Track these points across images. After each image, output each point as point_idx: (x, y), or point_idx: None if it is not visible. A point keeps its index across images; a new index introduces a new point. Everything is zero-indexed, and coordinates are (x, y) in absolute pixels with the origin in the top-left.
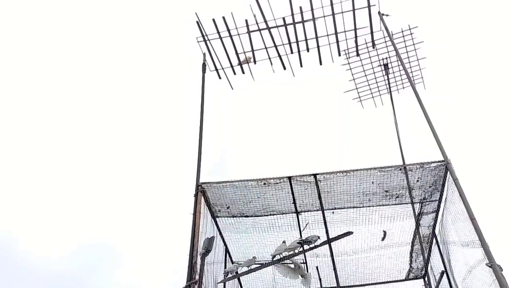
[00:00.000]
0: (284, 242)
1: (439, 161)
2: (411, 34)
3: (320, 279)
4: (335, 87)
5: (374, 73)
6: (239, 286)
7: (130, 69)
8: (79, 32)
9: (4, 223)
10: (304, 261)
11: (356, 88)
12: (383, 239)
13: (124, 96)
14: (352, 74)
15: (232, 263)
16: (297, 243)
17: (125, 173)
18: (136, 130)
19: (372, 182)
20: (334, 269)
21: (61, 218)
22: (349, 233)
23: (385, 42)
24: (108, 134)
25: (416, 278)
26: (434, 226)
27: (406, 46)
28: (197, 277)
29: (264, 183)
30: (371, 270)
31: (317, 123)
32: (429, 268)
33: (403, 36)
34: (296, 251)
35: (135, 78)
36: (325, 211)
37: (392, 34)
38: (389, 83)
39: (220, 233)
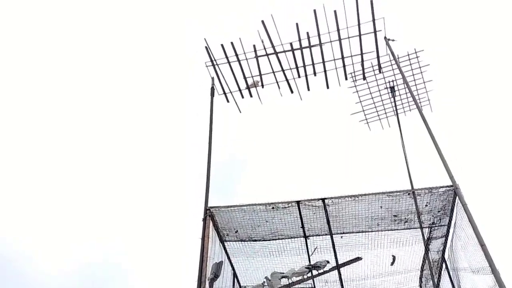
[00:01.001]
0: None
1: (447, 186)
2: (417, 57)
3: None
4: (342, 110)
5: (380, 95)
6: None
7: (140, 90)
8: (88, 45)
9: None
10: (313, 286)
11: (363, 110)
12: (392, 263)
13: (134, 119)
14: (359, 97)
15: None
16: (306, 267)
17: (136, 195)
18: (148, 151)
19: (381, 207)
20: None
21: (70, 234)
22: (358, 259)
23: (391, 65)
24: (120, 153)
25: None
26: (443, 251)
27: (412, 69)
28: None
29: (273, 207)
30: None
31: (324, 145)
32: None
33: (409, 59)
34: (305, 276)
35: (146, 99)
36: (334, 236)
37: (398, 58)
38: (395, 106)
39: (228, 258)
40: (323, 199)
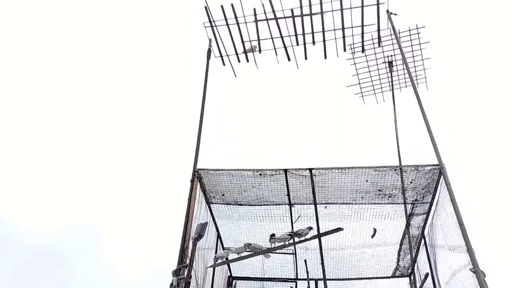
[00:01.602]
0: (273, 234)
1: (433, 165)
2: (418, 33)
3: (307, 272)
4: (338, 81)
5: (378, 70)
6: (228, 271)
7: (132, 53)
8: (74, 18)
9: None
10: (294, 253)
11: (359, 84)
12: (372, 236)
13: (124, 81)
14: (356, 70)
15: (223, 249)
16: (288, 235)
17: (124, 159)
18: (137, 117)
19: (366, 181)
20: (322, 263)
21: (53, 198)
22: (339, 229)
23: (392, 40)
24: (106, 122)
25: (402, 276)
26: (423, 227)
27: (412, 45)
28: (187, 261)
29: (260, 174)
30: (358, 265)
31: (316, 116)
32: (415, 267)
33: (410, 35)
34: (287, 242)
35: (137, 62)
36: (317, 206)
37: (399, 33)
38: (392, 81)
39: (214, 220)
40: (310, 169)
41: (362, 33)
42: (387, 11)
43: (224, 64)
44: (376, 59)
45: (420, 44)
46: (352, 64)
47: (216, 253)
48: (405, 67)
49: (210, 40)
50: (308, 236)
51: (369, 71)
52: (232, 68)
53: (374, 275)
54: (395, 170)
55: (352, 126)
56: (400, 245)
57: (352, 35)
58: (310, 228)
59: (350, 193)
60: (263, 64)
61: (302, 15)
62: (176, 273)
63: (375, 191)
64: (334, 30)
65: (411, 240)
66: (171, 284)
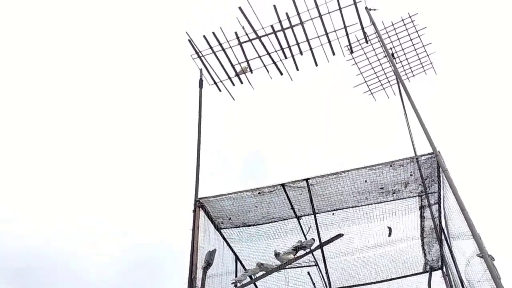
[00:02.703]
0: (277, 253)
1: (428, 154)
2: (412, 21)
3: (313, 284)
4: (336, 85)
5: (381, 64)
6: None
7: (132, 85)
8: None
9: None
10: (316, 264)
11: (365, 82)
12: (389, 235)
13: (125, 113)
14: (359, 69)
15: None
16: (292, 249)
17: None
18: (140, 147)
19: (365, 181)
20: (326, 272)
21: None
22: (339, 236)
23: (387, 33)
24: (110, 146)
25: (433, 269)
26: (440, 217)
27: (409, 34)
28: None
29: (259, 193)
30: (386, 265)
31: (318, 123)
32: (444, 259)
33: (405, 25)
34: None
35: (138, 94)
36: (325, 213)
37: (393, 24)
38: (397, 73)
39: (228, 244)
40: (306, 180)
41: (347, 34)
42: (366, 8)
43: (220, 90)
44: (376, 54)
45: (417, 31)
46: (353, 64)
47: (236, 276)
48: (407, 57)
49: (200, 70)
50: (313, 247)
51: (373, 68)
52: (229, 93)
53: (405, 273)
54: (390, 165)
55: (352, 125)
56: (422, 239)
57: (338, 38)
58: (314, 240)
59: (353, 196)
60: (258, 82)
61: (283, 29)
62: None
63: (377, 190)
64: (318, 37)
65: (431, 231)
66: None
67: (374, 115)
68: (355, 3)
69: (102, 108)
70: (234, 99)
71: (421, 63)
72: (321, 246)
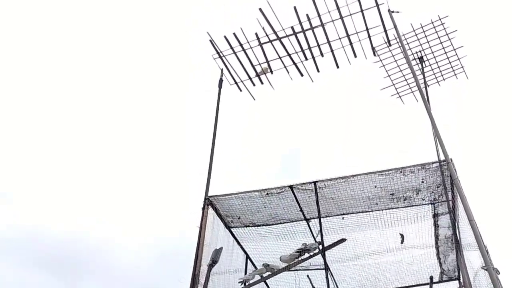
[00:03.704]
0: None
1: (440, 161)
2: (442, 24)
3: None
4: (356, 88)
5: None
6: None
7: (148, 82)
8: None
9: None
10: (326, 267)
11: (393, 85)
12: (402, 242)
13: (140, 110)
14: (387, 71)
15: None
16: (296, 252)
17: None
18: (154, 143)
19: (375, 186)
20: (326, 277)
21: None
22: (342, 240)
23: (416, 35)
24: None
25: (450, 279)
26: (454, 226)
27: (439, 37)
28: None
29: (267, 194)
30: (398, 272)
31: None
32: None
33: (434, 27)
34: (300, 258)
35: (154, 91)
36: (335, 217)
37: (422, 27)
38: (424, 77)
39: (238, 242)
40: (314, 182)
41: (369, 36)
42: (388, 10)
43: (241, 90)
44: (405, 57)
45: (447, 34)
46: (381, 66)
47: (245, 275)
48: (437, 61)
49: (221, 69)
50: (316, 251)
51: (401, 70)
52: (250, 93)
53: (419, 281)
54: (400, 171)
55: (373, 128)
56: (437, 248)
57: (359, 40)
58: (318, 243)
59: (362, 201)
60: (279, 83)
61: (303, 30)
62: None
63: (387, 196)
64: (340, 38)
65: (446, 240)
66: None
67: (396, 118)
68: (377, 5)
69: (128, 110)
70: (254, 99)
71: (451, 67)
72: (323, 250)
